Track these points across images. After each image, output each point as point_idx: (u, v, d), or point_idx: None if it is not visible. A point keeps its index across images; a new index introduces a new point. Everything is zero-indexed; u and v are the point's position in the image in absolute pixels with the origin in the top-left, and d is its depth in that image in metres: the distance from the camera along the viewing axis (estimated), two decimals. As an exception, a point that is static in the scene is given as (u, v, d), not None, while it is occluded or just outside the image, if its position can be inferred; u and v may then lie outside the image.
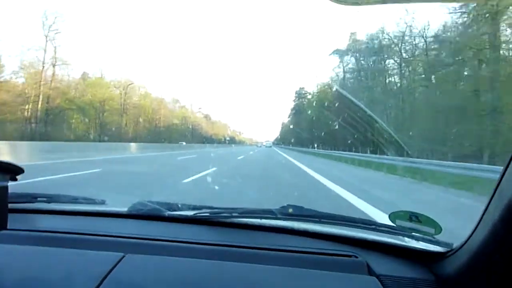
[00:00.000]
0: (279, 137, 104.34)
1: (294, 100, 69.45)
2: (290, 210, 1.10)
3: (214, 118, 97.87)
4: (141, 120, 54.30)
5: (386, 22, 34.86)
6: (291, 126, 70.72)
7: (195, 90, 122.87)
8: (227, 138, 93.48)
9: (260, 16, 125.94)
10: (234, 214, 1.15)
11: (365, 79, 37.35)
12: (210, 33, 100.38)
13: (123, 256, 0.91)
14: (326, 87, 46.08)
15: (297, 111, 65.54)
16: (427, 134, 20.09)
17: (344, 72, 43.50)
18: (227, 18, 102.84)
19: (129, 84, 50.44)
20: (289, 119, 77.29)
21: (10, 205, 1.23)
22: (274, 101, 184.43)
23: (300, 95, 64.93)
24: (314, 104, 51.36)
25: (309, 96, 58.40)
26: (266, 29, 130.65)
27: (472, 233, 0.74)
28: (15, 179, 0.97)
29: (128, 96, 51.47)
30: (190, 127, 70.15)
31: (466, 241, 0.78)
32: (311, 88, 58.14)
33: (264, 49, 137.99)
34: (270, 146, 73.71)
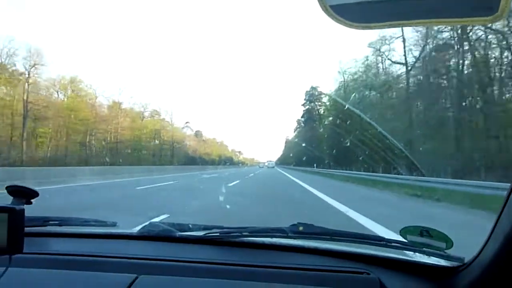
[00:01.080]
0: (282, 156, 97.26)
1: (301, 117, 65.37)
2: (301, 228, 1.11)
3: (210, 136, 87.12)
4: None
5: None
6: (295, 143, 66.92)
7: (185, 105, 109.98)
8: (223, 159, 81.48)
9: (261, 26, 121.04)
10: (244, 233, 1.15)
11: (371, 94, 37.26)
12: (203, 41, 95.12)
13: (136, 277, 0.92)
14: (333, 102, 45.47)
15: (305, 126, 61.59)
16: (437, 150, 19.89)
17: (346, 86, 42.81)
18: (223, 26, 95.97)
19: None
20: (294, 134, 72.49)
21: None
22: (276, 120, 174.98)
23: (308, 108, 60.71)
24: (322, 120, 50.04)
25: (318, 110, 56.18)
26: (268, 41, 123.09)
27: (483, 247, 0.74)
28: (30, 203, 1.00)
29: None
30: (169, 144, 55.10)
31: (477, 255, 0.77)
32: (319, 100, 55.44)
33: (266, 63, 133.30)
34: (273, 167, 68.21)
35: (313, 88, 56.60)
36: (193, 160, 54.82)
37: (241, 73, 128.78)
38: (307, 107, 58.85)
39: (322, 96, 51.36)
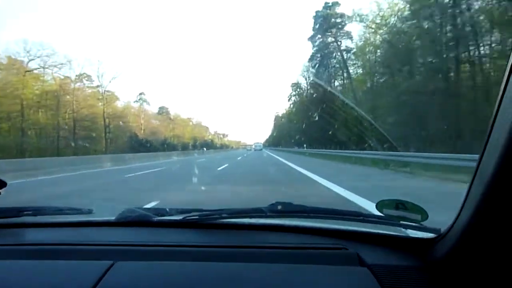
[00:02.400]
0: (270, 138, 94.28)
1: (275, 114, 68.05)
2: (279, 207, 1.10)
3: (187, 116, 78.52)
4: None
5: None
6: (285, 123, 65.59)
7: (160, 84, 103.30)
8: (200, 143, 72.18)
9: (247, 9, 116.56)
10: (223, 215, 1.14)
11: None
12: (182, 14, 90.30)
13: (113, 264, 0.90)
14: (313, 84, 45.20)
15: (293, 107, 59.42)
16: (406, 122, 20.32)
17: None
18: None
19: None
20: (283, 113, 70.91)
21: None
22: (265, 99, 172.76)
23: (293, 90, 58.38)
24: (304, 102, 48.69)
25: (299, 93, 54.77)
26: (253, 19, 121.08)
27: (457, 217, 0.75)
28: None
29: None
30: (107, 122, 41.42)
31: (452, 225, 0.79)
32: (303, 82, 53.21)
33: (251, 38, 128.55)
34: (261, 149, 64.29)
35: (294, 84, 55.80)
36: (144, 145, 39.80)
37: (225, 46, 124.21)
38: (294, 90, 57.24)
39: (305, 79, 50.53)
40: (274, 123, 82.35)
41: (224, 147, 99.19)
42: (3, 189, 1.02)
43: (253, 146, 73.41)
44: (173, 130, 66.55)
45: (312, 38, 44.63)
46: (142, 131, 52.37)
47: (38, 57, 34.57)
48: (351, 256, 0.94)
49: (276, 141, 72.50)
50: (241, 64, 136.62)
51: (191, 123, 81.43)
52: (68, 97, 38.49)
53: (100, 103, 42.64)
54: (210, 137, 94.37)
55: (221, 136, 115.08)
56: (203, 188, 8.22)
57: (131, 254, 0.99)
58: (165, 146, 47.97)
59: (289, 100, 57.57)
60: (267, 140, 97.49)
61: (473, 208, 0.67)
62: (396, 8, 26.80)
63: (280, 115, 73.81)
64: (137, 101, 57.45)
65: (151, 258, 0.96)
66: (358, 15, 32.08)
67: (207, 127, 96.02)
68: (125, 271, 0.89)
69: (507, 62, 0.58)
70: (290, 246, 1.01)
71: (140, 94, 57.41)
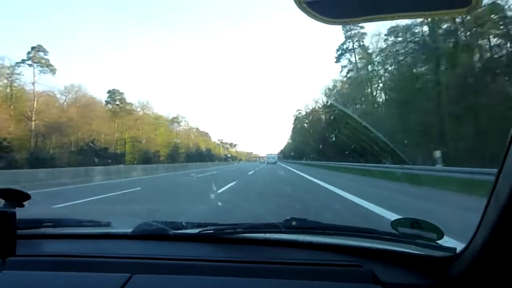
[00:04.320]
0: (286, 149, 79.30)
1: (295, 115, 59.60)
2: (294, 223, 1.11)
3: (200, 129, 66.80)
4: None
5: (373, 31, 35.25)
6: (297, 139, 59.70)
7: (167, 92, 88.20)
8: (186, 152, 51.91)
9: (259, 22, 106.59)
10: (238, 230, 1.15)
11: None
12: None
13: (130, 277, 0.92)
14: (322, 100, 45.00)
15: (299, 126, 57.17)
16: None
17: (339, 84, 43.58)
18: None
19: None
20: (298, 124, 60.72)
21: (17, 231, 1.26)
22: (280, 108, 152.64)
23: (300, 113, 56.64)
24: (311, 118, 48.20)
25: (307, 111, 53.28)
26: (265, 33, 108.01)
27: (473, 236, 0.75)
28: (22, 205, 0.99)
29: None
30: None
31: (468, 245, 0.78)
32: (314, 97, 50.69)
33: (263, 50, 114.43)
34: (275, 162, 50.13)
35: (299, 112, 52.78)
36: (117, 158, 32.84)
37: (237, 55, 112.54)
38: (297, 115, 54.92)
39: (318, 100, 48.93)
40: (293, 127, 67.40)
41: (230, 158, 78.39)
42: (26, 201, 1.06)
43: (265, 158, 57.96)
44: (129, 130, 46.34)
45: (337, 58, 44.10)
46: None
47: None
48: (365, 274, 0.94)
49: (296, 151, 57.74)
50: (255, 67, 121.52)
51: (182, 124, 60.81)
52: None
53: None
54: (209, 145, 72.37)
55: (228, 146, 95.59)
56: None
57: (148, 267, 1.00)
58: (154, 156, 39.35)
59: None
60: (282, 151, 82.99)
61: (489, 229, 0.67)
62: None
63: (303, 113, 58.00)
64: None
65: (167, 272, 0.97)
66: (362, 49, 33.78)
67: (205, 133, 76.71)
68: (142, 284, 0.91)
69: None
70: (304, 262, 1.01)
71: (113, 91, 45.67)
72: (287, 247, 1.14)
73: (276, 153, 70.88)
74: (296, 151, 59.24)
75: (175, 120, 59.25)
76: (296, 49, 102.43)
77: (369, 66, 37.06)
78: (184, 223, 1.27)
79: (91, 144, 35.01)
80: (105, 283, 0.90)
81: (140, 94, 73.75)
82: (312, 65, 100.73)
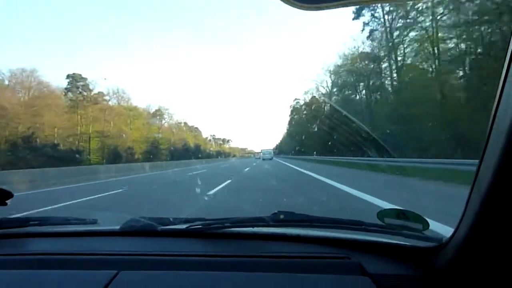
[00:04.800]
0: (282, 143, 77.89)
1: (292, 105, 56.57)
2: (282, 217, 1.12)
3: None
4: None
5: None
6: (293, 133, 55.99)
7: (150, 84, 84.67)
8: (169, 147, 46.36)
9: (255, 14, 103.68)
10: (226, 225, 1.15)
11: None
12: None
13: (117, 273, 0.91)
14: (315, 94, 43.61)
15: (297, 117, 54.72)
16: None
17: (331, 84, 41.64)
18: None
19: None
20: (294, 116, 57.71)
21: (1, 231, 1.23)
22: (273, 103, 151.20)
23: (296, 103, 54.37)
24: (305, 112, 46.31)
25: (301, 103, 51.49)
26: (258, 23, 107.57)
27: (458, 226, 0.76)
28: (5, 204, 0.97)
29: None
30: None
31: (453, 235, 0.80)
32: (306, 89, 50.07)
33: (254, 38, 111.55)
34: (271, 158, 48.19)
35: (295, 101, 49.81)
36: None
37: (228, 44, 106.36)
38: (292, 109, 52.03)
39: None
40: (290, 119, 63.07)
41: (223, 155, 74.35)
42: (9, 200, 1.04)
43: (261, 154, 55.91)
44: (96, 123, 39.75)
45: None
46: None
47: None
48: (353, 265, 0.95)
49: (293, 146, 54.59)
50: (248, 58, 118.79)
51: (166, 118, 55.32)
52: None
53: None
54: (200, 141, 67.58)
55: (221, 142, 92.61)
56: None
57: (135, 263, 1.00)
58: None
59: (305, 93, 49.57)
60: (277, 146, 79.92)
61: (473, 218, 0.68)
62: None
63: (302, 103, 54.25)
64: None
65: (155, 267, 0.97)
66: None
67: (195, 128, 72.02)
68: (129, 280, 0.90)
69: (501, 70, 0.60)
70: (292, 255, 1.02)
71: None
72: (275, 240, 1.15)
73: (272, 148, 68.19)
74: (293, 146, 55.10)
75: (157, 113, 53.52)
76: (290, 34, 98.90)
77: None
78: (172, 219, 1.26)
79: (30, 140, 27.89)
80: (92, 280, 0.89)
81: (119, 85, 64.41)
82: (309, 48, 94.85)
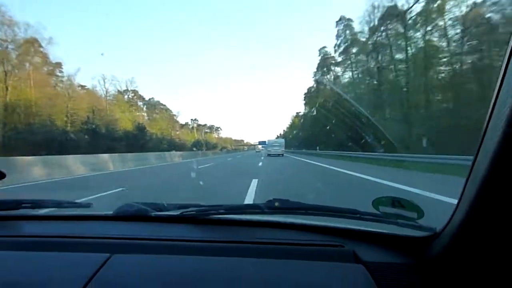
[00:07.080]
0: (286, 136, 67.04)
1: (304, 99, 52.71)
2: (276, 204, 1.11)
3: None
4: None
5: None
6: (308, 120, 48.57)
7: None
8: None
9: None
10: (220, 211, 1.15)
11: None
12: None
13: (110, 257, 0.90)
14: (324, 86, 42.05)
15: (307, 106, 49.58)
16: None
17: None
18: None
19: None
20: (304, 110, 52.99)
21: None
22: (276, 87, 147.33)
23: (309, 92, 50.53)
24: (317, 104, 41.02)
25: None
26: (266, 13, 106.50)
27: (452, 216, 0.76)
28: None
29: None
30: None
31: (446, 225, 0.80)
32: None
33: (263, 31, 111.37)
34: (281, 154, 34.89)
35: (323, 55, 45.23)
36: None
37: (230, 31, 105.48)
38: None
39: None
40: (305, 102, 56.03)
41: (204, 148, 55.28)
42: (1, 180, 1.03)
43: (266, 148, 40.74)
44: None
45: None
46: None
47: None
48: (347, 253, 0.95)
49: (307, 138, 43.24)
50: (248, 46, 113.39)
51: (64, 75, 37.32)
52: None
53: None
54: (161, 125, 49.72)
55: (207, 130, 70.31)
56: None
57: (128, 247, 0.99)
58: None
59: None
60: (282, 138, 60.78)
61: (467, 208, 0.68)
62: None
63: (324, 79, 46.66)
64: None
65: (148, 251, 0.96)
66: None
67: (160, 103, 53.64)
68: (122, 264, 0.90)
69: (501, 66, 0.59)
70: (285, 242, 1.01)
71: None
72: (269, 227, 1.14)
73: (281, 139, 45.31)
74: (307, 138, 43.85)
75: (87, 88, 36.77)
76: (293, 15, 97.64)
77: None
78: (166, 204, 1.26)
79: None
80: (84, 263, 0.89)
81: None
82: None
